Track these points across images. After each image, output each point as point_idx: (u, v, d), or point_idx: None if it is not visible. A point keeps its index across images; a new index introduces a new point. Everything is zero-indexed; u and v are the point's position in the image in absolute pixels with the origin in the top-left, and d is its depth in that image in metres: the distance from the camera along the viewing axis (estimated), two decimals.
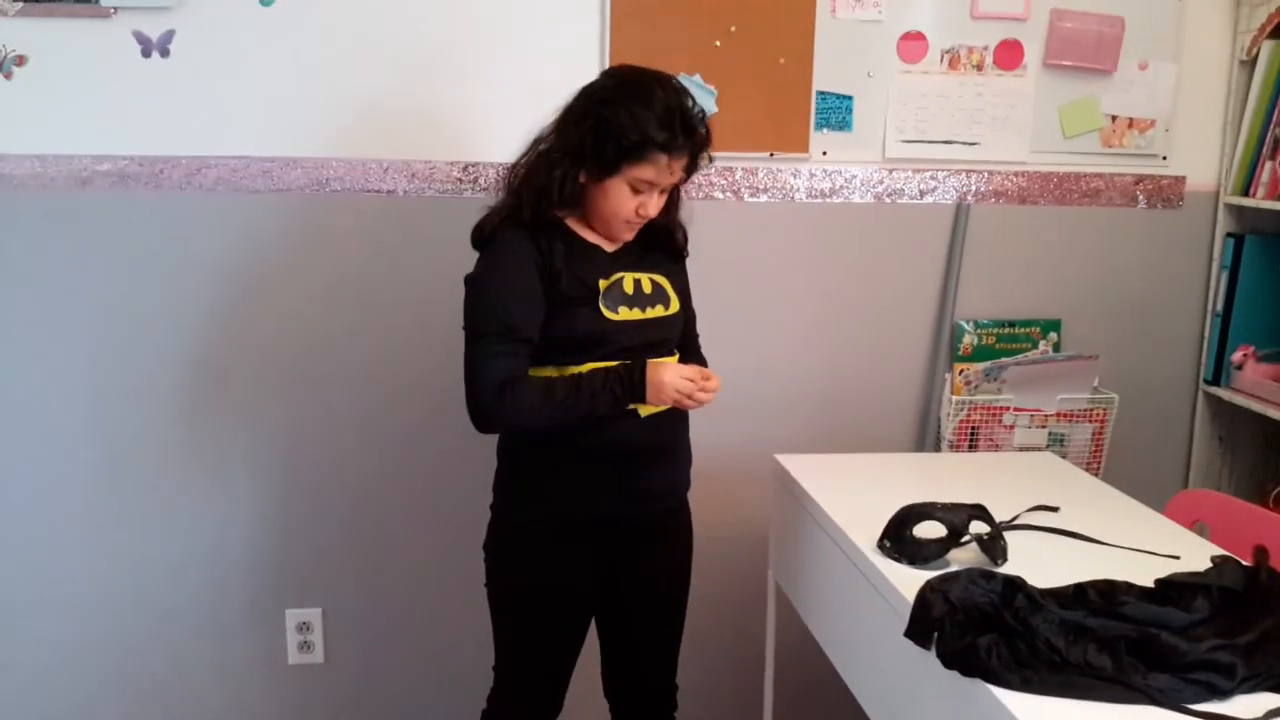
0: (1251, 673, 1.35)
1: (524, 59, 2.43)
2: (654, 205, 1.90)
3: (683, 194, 2.01)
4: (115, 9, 2.28)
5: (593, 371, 1.87)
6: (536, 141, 1.92)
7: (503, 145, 2.34)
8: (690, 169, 1.91)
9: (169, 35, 2.31)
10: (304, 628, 2.61)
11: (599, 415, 1.86)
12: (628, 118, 1.80)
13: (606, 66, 2.39)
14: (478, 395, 1.85)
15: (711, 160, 1.95)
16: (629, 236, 1.96)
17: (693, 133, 1.85)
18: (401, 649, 2.66)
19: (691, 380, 1.85)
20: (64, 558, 2.50)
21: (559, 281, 1.88)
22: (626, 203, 1.87)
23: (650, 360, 1.87)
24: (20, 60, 2.29)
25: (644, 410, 1.92)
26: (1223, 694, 1.34)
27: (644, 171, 1.84)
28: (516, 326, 1.85)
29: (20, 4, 2.25)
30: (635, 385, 1.84)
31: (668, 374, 1.85)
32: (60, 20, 2.27)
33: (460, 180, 2.45)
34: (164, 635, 2.57)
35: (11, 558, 2.48)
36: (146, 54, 2.32)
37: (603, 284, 1.91)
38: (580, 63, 2.41)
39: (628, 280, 1.94)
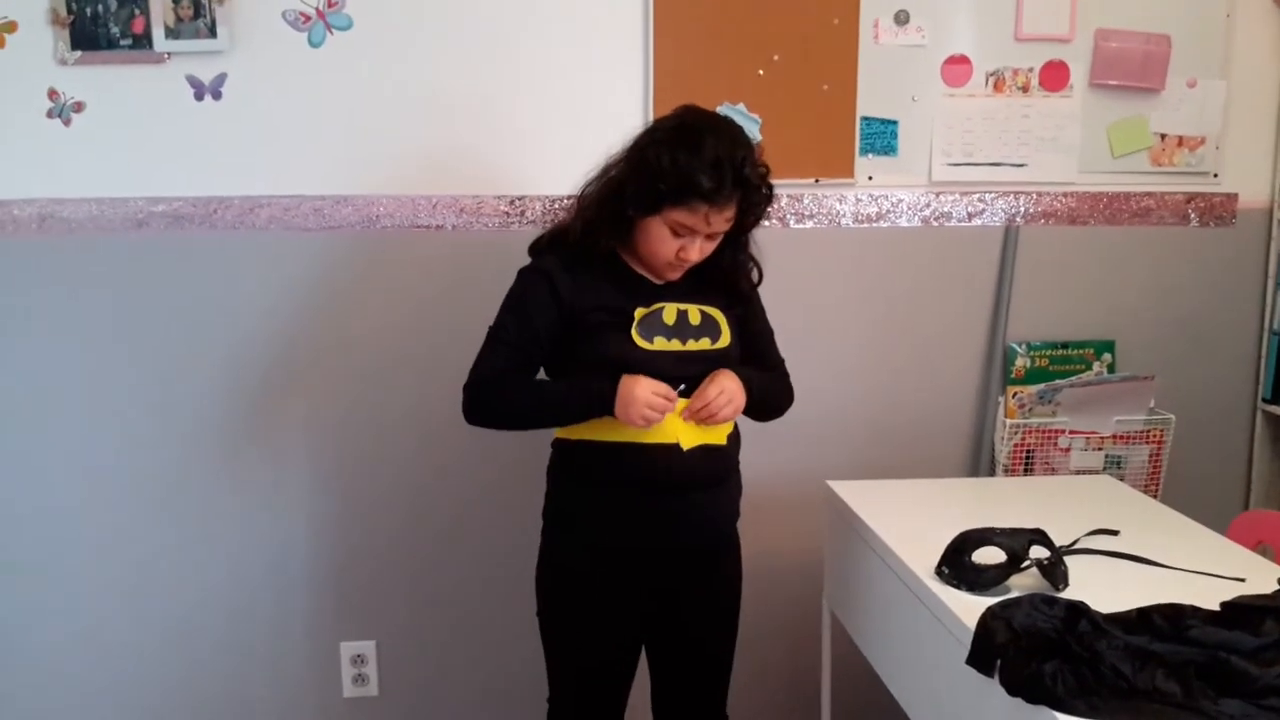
0: None
1: (569, 92, 2.44)
2: (696, 251, 1.88)
3: (750, 236, 1.99)
4: (169, 54, 2.33)
5: (573, 380, 1.93)
6: (608, 168, 1.94)
7: (549, 178, 2.39)
8: (741, 219, 1.89)
9: (221, 78, 2.36)
10: (358, 660, 2.62)
11: (571, 418, 1.92)
12: (670, 162, 1.80)
13: (650, 97, 2.43)
14: (467, 385, 1.96)
15: (768, 214, 1.97)
16: (673, 276, 1.95)
17: (740, 185, 1.83)
18: (457, 681, 2.66)
19: (666, 399, 1.83)
20: (118, 591, 2.53)
21: (582, 311, 1.90)
22: (667, 244, 1.87)
23: (627, 375, 1.84)
24: (79, 107, 2.34)
25: (686, 443, 1.90)
26: None
27: (682, 216, 1.83)
28: (520, 341, 1.94)
29: (80, 53, 2.30)
30: (604, 395, 1.84)
31: (640, 389, 1.82)
32: (116, 68, 2.32)
33: (508, 214, 2.47)
34: (218, 667, 2.59)
35: (67, 585, 2.52)
36: (199, 97, 2.37)
37: (639, 312, 1.91)
38: (624, 95, 2.44)
39: (669, 310, 1.93)
